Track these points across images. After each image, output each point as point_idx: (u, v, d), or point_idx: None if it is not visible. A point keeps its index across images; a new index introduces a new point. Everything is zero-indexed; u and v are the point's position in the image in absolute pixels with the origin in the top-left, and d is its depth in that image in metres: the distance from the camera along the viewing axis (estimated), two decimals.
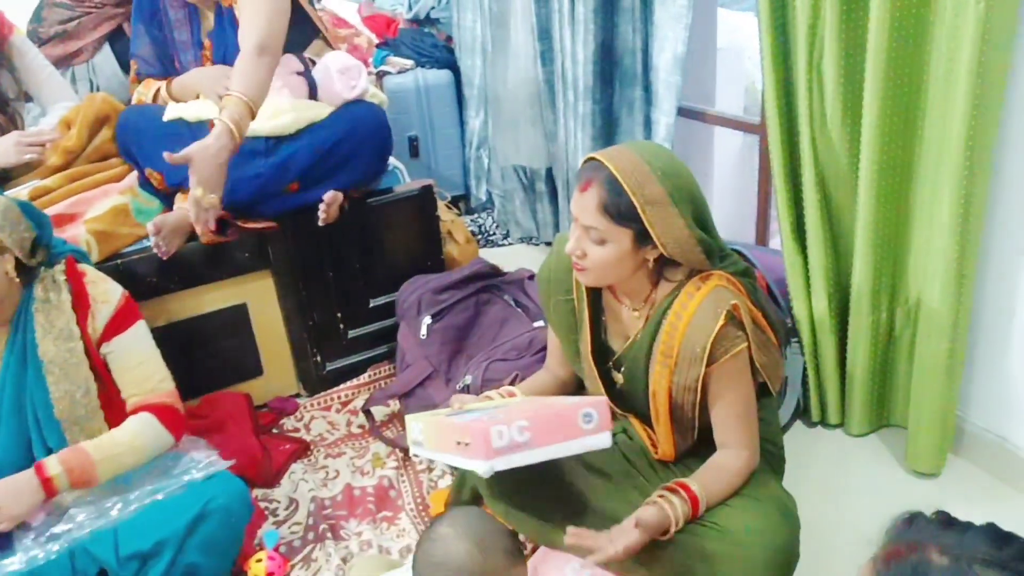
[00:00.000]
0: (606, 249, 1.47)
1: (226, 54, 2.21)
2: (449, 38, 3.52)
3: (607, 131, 2.61)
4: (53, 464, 1.60)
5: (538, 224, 3.16)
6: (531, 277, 2.35)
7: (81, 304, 1.72)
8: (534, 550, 1.70)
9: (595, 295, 1.64)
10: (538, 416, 1.37)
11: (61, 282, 1.72)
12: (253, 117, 1.93)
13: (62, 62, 2.65)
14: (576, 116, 2.64)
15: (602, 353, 1.66)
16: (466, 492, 1.81)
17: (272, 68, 2.01)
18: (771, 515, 1.47)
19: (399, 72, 3.33)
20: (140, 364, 1.75)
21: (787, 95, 1.91)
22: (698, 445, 1.61)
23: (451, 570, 1.27)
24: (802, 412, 2.14)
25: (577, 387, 1.80)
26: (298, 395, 2.43)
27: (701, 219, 1.49)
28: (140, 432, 1.69)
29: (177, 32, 2.25)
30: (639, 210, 1.42)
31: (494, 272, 2.39)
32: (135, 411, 1.72)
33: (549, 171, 3.01)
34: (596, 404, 1.40)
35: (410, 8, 3.62)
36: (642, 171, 1.43)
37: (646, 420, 1.64)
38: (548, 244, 3.12)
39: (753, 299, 1.55)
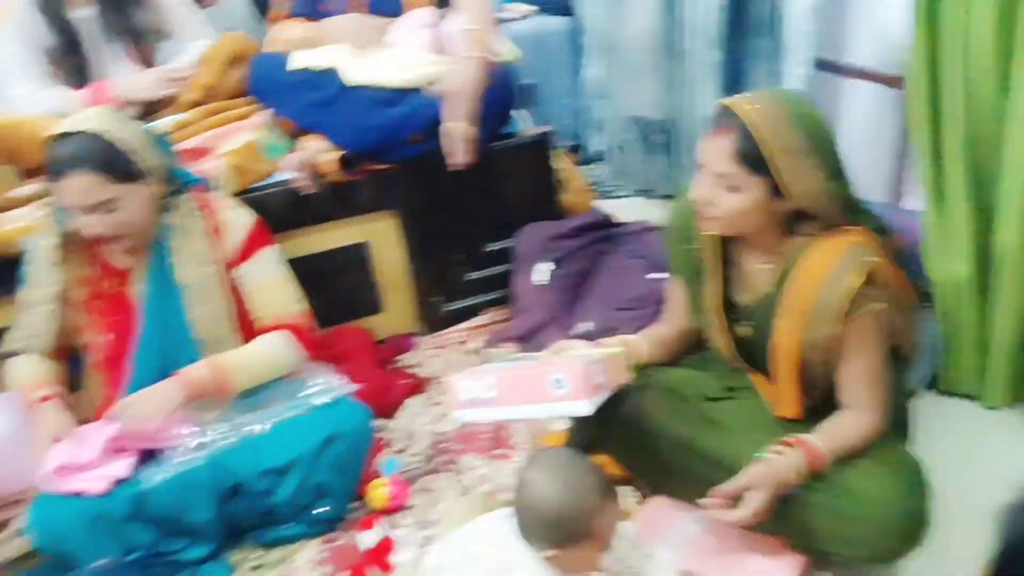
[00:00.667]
0: (738, 198, 1.43)
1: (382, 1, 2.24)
2: None
3: (733, 82, 2.54)
4: (194, 369, 1.72)
5: (655, 176, 3.11)
6: (650, 229, 2.33)
7: (214, 230, 1.80)
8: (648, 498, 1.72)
9: (722, 246, 1.61)
10: (507, 376, 1.40)
11: (194, 209, 1.81)
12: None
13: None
14: (702, 66, 2.57)
15: (727, 306, 1.63)
16: (581, 435, 1.83)
17: None
18: (903, 478, 1.44)
19: (519, 18, 3.31)
20: (271, 287, 1.83)
21: (933, 45, 1.81)
22: (822, 405, 1.58)
23: (543, 514, 1.29)
24: (932, 380, 2.06)
25: (699, 339, 1.79)
26: (416, 333, 2.48)
27: (838, 172, 1.44)
28: (272, 347, 1.79)
29: None
30: (775, 160, 1.38)
31: (611, 222, 2.38)
32: (267, 329, 1.81)
33: (669, 122, 2.95)
34: (571, 371, 1.36)
35: None
36: (780, 119, 1.39)
37: (770, 376, 1.62)
38: (666, 197, 3.08)
39: (891, 258, 1.50)
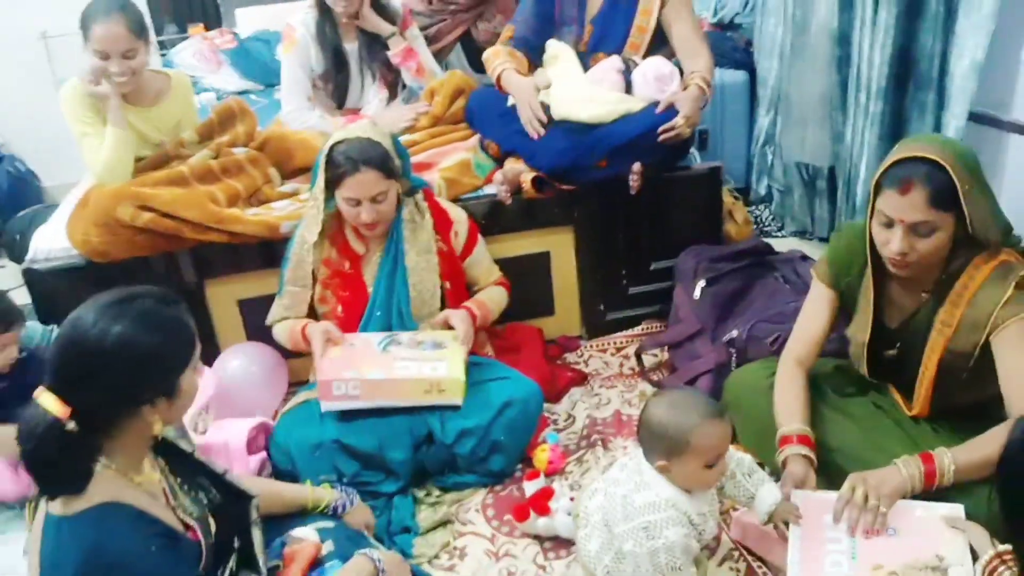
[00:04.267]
0: (934, 239, 1.61)
1: (603, 39, 2.64)
2: (749, 42, 3.74)
3: (895, 131, 2.74)
4: (471, 307, 2.28)
5: (814, 219, 3.32)
6: (803, 258, 2.56)
7: (444, 225, 2.26)
8: None
9: (879, 276, 1.77)
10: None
11: (424, 207, 2.25)
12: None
13: None
14: (866, 116, 2.79)
15: (877, 330, 1.80)
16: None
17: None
18: None
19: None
20: (489, 265, 2.39)
21: None
22: (958, 414, 1.75)
23: (651, 425, 1.56)
24: None
25: None
26: (580, 336, 2.82)
27: (995, 200, 1.65)
28: (501, 294, 2.40)
29: (566, 9, 2.67)
30: (962, 195, 1.57)
31: (768, 250, 2.62)
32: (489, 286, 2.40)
33: (831, 169, 3.17)
34: (320, 383, 2.07)
35: (715, 13, 3.90)
36: (956, 158, 1.58)
37: (906, 387, 1.81)
38: (821, 240, 3.27)
39: None
